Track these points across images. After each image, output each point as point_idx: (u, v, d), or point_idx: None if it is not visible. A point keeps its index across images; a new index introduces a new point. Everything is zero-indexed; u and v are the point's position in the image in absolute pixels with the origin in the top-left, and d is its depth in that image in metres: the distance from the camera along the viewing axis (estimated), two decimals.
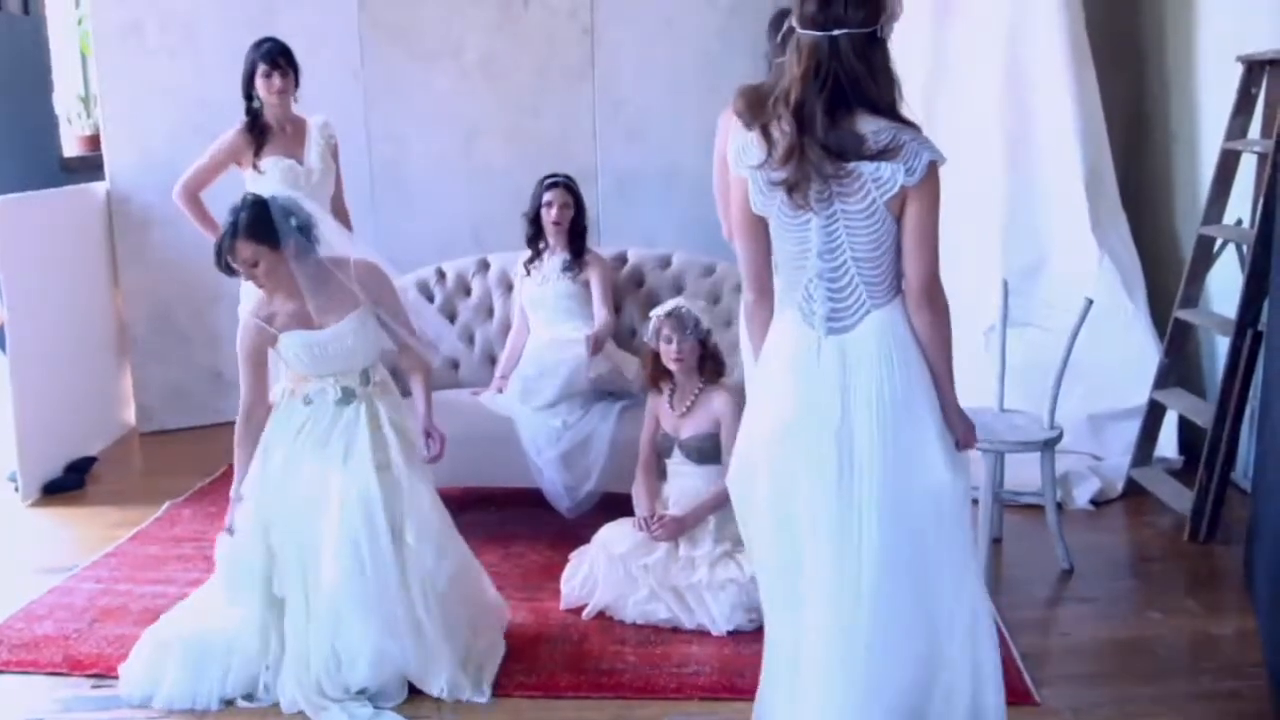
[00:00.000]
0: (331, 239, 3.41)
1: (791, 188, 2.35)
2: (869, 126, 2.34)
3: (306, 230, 3.31)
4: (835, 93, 2.32)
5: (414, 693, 3.30)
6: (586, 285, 4.56)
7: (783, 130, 2.35)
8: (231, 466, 4.65)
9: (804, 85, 2.32)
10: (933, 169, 2.33)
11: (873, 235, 2.38)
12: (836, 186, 2.35)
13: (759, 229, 2.46)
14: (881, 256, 2.39)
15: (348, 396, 3.38)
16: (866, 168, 2.33)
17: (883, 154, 2.31)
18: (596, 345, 4.35)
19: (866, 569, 2.43)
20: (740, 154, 2.44)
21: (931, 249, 2.36)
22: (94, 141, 6.25)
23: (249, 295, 4.13)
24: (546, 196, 4.55)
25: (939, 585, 2.50)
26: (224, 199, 4.39)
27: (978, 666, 2.56)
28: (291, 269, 3.28)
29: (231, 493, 3.44)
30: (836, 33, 2.30)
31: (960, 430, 2.53)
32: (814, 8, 2.32)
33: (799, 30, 2.35)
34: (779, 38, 2.48)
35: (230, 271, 3.32)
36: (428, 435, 3.47)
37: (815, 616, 2.49)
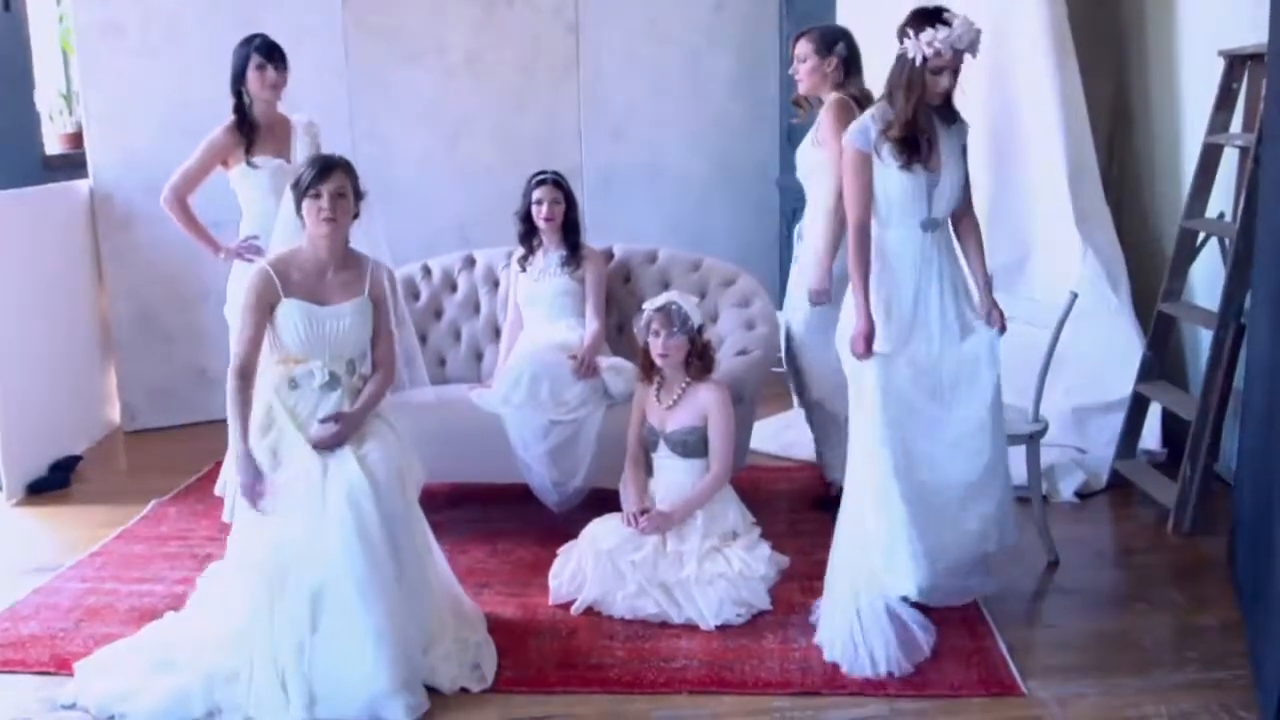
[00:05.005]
0: (363, 235, 3.56)
1: None
2: None
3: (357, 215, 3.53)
4: None
5: None
6: (583, 282, 4.55)
7: None
8: (219, 464, 4.70)
9: None
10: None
11: None
12: None
13: None
14: None
15: (334, 382, 3.40)
16: None
17: None
18: (587, 368, 4.32)
19: None
20: None
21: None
22: (76, 139, 6.22)
23: (239, 278, 4.14)
24: (535, 194, 4.53)
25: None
26: (206, 201, 4.46)
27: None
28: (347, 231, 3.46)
29: (234, 446, 3.34)
30: None
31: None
32: None
33: None
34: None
35: (301, 196, 3.40)
36: (333, 418, 3.36)
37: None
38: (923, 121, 3.43)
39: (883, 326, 3.49)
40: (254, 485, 3.28)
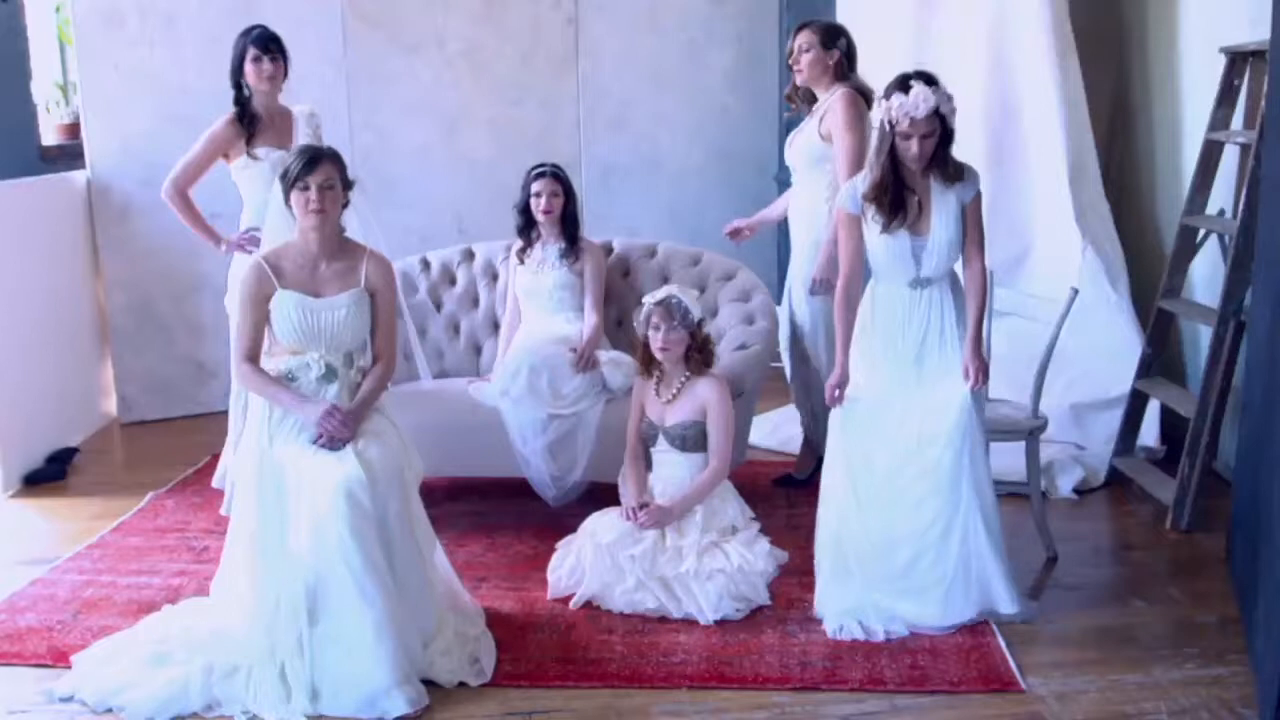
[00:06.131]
0: (358, 224, 3.56)
1: None
2: None
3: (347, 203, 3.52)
4: None
5: None
6: (582, 275, 4.54)
7: None
8: (216, 457, 4.70)
9: None
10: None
11: None
12: None
13: None
14: None
15: (330, 374, 3.38)
16: None
17: None
18: (586, 362, 4.31)
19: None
20: None
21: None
22: (73, 130, 6.18)
23: (240, 270, 4.12)
24: (535, 187, 4.52)
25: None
26: (207, 193, 4.45)
27: None
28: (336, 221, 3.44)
29: (290, 404, 3.34)
30: None
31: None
32: None
33: None
34: None
35: (289, 188, 3.38)
36: (327, 413, 3.31)
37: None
38: (910, 183, 3.49)
39: (862, 375, 3.61)
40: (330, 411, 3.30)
